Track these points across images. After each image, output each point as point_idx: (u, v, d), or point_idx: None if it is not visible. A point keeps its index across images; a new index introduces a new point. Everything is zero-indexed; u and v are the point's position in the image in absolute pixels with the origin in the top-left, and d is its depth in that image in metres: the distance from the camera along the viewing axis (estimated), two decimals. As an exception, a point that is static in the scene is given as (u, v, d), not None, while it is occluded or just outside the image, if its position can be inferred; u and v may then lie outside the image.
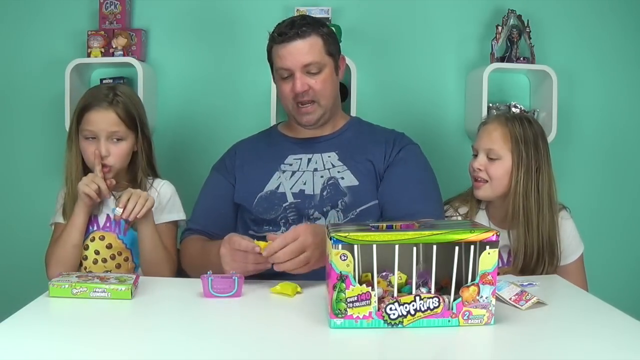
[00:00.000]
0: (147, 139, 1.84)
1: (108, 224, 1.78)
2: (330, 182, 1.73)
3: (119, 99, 1.76)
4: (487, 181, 1.80)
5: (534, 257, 1.76)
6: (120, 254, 1.77)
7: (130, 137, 1.78)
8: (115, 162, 1.75)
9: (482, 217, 1.87)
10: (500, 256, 1.75)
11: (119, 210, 1.63)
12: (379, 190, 1.74)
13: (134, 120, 1.79)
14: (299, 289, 1.41)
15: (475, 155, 1.85)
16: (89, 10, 2.42)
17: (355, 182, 1.73)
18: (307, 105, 1.73)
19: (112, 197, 1.73)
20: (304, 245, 1.39)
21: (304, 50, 1.70)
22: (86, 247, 1.76)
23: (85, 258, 1.76)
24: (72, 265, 1.71)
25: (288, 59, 1.70)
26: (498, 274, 1.77)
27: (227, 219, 1.80)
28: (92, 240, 1.77)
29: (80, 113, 1.75)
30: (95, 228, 1.78)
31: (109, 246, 1.77)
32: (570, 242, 1.84)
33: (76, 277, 1.40)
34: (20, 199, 2.47)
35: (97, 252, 1.76)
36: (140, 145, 1.82)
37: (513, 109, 2.32)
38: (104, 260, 1.76)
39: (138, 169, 1.83)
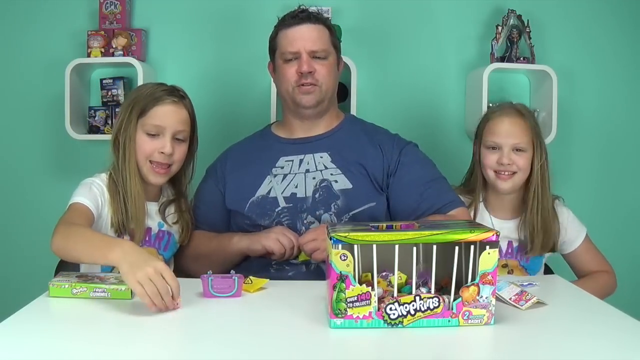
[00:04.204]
0: (196, 148, 1.75)
1: (147, 238, 1.68)
2: (323, 184, 1.72)
3: (185, 96, 1.68)
4: (514, 173, 1.82)
5: (540, 238, 1.82)
6: None
7: (188, 141, 1.68)
8: (177, 162, 1.65)
9: (481, 209, 1.88)
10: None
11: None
12: (392, 201, 1.73)
13: (195, 124, 1.70)
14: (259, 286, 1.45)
15: (493, 149, 1.84)
16: (89, 10, 2.42)
17: (349, 186, 1.71)
18: (308, 86, 1.74)
19: (163, 220, 1.70)
20: (316, 237, 1.56)
21: (313, 35, 1.74)
22: None
23: None
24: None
25: (297, 40, 1.73)
26: (505, 265, 1.81)
27: (223, 223, 1.81)
28: None
29: (146, 106, 1.61)
30: (141, 244, 1.64)
31: None
32: (570, 227, 1.89)
33: (76, 277, 1.40)
34: (20, 199, 2.47)
35: None
36: (193, 152, 1.73)
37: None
38: None
39: (183, 177, 1.74)
